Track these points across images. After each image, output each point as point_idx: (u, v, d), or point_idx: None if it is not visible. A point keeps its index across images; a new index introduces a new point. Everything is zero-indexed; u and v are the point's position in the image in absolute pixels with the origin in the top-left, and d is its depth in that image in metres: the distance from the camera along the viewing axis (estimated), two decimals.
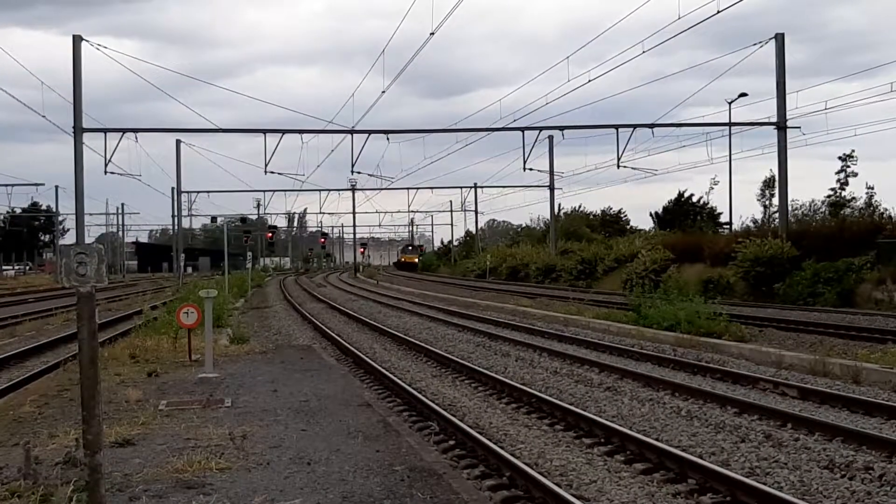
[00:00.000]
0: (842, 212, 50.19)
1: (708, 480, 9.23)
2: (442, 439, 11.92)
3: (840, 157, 51.71)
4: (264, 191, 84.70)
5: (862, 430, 11.36)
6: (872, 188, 51.59)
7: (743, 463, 10.12)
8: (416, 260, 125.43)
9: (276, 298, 52.33)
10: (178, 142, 63.67)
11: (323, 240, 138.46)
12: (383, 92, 40.34)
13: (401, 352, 22.67)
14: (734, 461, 10.21)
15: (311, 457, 9.33)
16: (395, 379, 16.82)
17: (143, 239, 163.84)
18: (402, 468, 8.85)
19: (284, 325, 31.46)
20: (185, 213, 79.01)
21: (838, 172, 51.78)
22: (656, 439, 11.20)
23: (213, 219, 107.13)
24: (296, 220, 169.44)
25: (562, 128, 46.29)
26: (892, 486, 9.00)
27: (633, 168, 48.65)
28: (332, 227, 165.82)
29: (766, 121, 42.60)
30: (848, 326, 24.97)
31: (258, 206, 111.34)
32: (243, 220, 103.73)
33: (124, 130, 43.52)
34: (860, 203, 51.40)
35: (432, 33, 31.27)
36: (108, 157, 42.86)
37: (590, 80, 41.17)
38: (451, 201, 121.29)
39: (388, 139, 46.37)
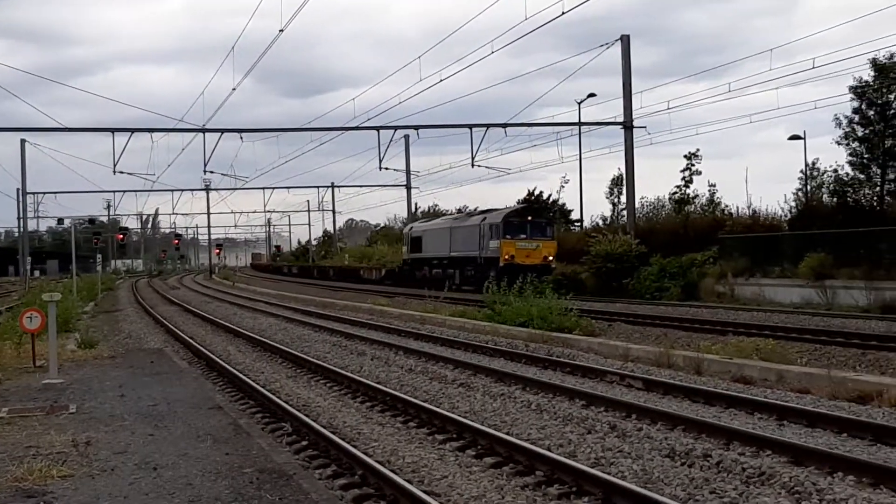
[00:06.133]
0: (685, 209, 51.84)
1: (555, 472, 9.44)
2: (295, 440, 11.86)
3: (685, 156, 53.41)
4: (114, 191, 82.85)
5: (702, 418, 11.78)
6: (714, 186, 53.46)
7: (589, 454, 10.38)
8: (552, 259, 44.68)
9: (128, 302, 51.18)
10: (23, 142, 61.69)
11: (177, 241, 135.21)
12: (233, 89, 39.90)
13: (255, 353, 22.43)
14: (580, 452, 10.46)
15: (157, 461, 9.19)
16: (248, 381, 16.65)
17: None
18: (252, 470, 8.80)
19: (135, 329, 30.76)
20: (31, 214, 76.36)
21: (683, 170, 53.51)
22: (507, 433, 11.39)
23: (61, 220, 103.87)
24: (149, 221, 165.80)
25: (417, 127, 46.53)
26: (729, 472, 9.35)
27: (487, 167, 49.09)
28: (187, 228, 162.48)
29: (614, 121, 43.70)
30: (691, 319, 25.88)
31: (108, 207, 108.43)
32: (92, 221, 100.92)
33: None
34: (703, 200, 53.20)
35: (281, 30, 31.13)
36: None
37: (441, 80, 41.37)
38: (308, 201, 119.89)
39: (241, 138, 45.84)
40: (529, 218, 45.37)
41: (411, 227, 61.78)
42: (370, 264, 73.85)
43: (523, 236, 44.49)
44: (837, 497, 8.08)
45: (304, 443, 11.61)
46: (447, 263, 51.31)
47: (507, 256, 43.57)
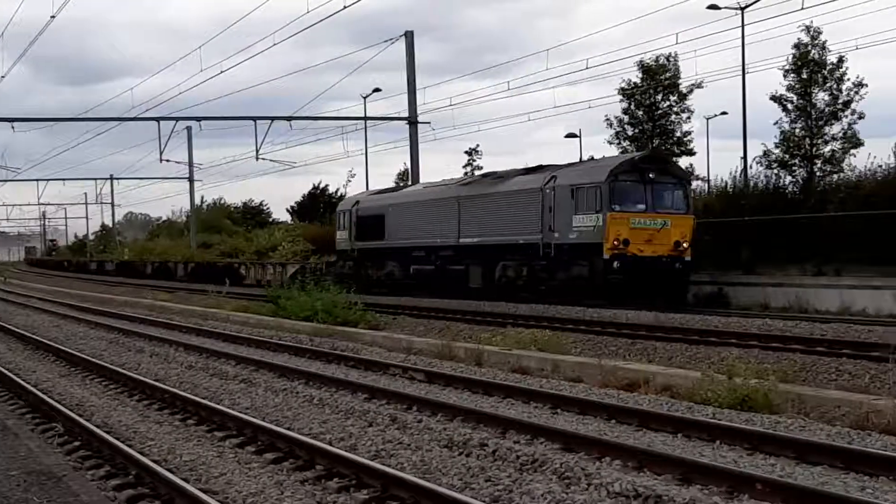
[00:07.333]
0: None
1: (335, 465, 9.47)
2: (67, 440, 11.45)
3: (466, 152, 54.82)
4: None
5: (480, 409, 12.08)
6: None
7: (369, 446, 10.45)
8: (687, 246, 27.62)
9: None
10: None
11: None
12: (2, 77, 38.10)
13: (27, 352, 21.48)
14: (361, 445, 10.52)
15: None
16: (17, 380, 15.92)
17: None
18: (19, 472, 8.46)
19: None
20: None
21: (465, 166, 54.86)
22: (287, 428, 11.33)
23: None
24: None
25: (199, 119, 45.71)
26: (504, 460, 9.61)
27: (272, 160, 48.54)
28: None
29: (399, 116, 44.09)
30: (474, 311, 26.44)
31: None
32: None
33: None
34: None
35: (53, 16, 30.11)
36: None
37: (223, 71, 40.84)
38: (85, 193, 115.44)
39: (13, 127, 43.82)
40: (652, 175, 27.77)
41: (357, 203, 41.40)
42: (254, 257, 55.43)
43: (641, 207, 27.67)
44: (604, 481, 8.44)
45: (77, 443, 11.21)
46: (452, 257, 33.43)
47: (615, 242, 26.72)
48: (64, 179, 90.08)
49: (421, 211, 35.98)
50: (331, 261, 43.62)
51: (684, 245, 27.29)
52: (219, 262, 56.45)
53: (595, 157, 35.48)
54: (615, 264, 26.52)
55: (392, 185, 48.39)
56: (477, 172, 52.33)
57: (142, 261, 71.93)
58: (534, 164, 32.21)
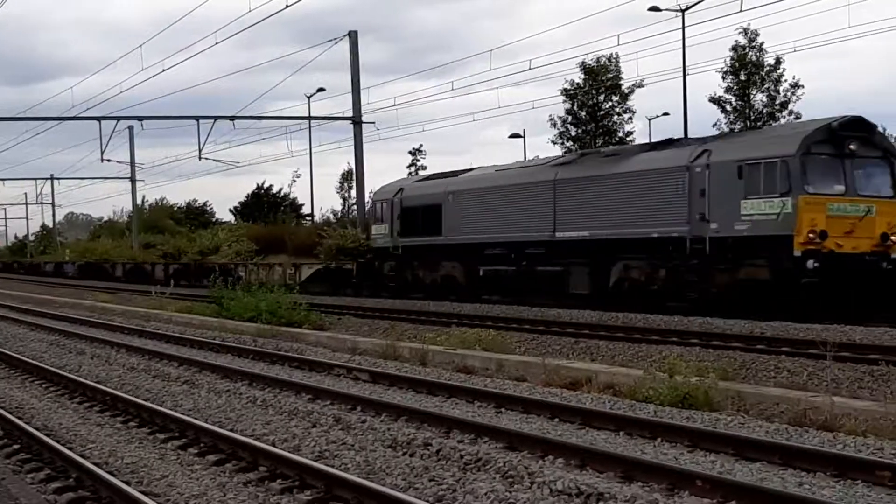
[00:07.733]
0: None
1: (278, 467, 9.43)
2: (6, 444, 11.27)
3: (410, 152, 54.99)
4: None
5: (424, 408, 12.09)
6: None
7: (313, 447, 10.42)
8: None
9: None
10: None
11: None
12: None
13: None
14: (305, 446, 10.49)
15: None
16: None
17: None
18: None
19: None
20: None
21: (409, 166, 55.02)
22: (230, 430, 11.27)
23: None
24: None
25: (141, 118, 45.31)
26: (448, 459, 9.64)
27: (215, 160, 48.18)
28: None
29: (343, 116, 44.05)
30: (419, 311, 26.50)
31: None
32: None
33: None
34: None
35: None
36: None
37: (164, 70, 40.39)
38: (25, 193, 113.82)
39: None
40: (852, 147, 22.05)
41: (401, 190, 35.13)
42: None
43: (839, 188, 22.11)
44: (547, 479, 8.49)
45: (17, 446, 11.06)
46: (544, 255, 27.42)
47: (809, 235, 20.97)
48: (3, 179, 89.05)
49: (497, 199, 29.59)
50: (362, 261, 37.51)
51: (893, 238, 21.87)
52: (206, 264, 48.18)
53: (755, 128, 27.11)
54: (810, 263, 20.77)
55: (335, 182, 48.12)
56: (422, 172, 52.31)
57: (111, 262, 64.15)
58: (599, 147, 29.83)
